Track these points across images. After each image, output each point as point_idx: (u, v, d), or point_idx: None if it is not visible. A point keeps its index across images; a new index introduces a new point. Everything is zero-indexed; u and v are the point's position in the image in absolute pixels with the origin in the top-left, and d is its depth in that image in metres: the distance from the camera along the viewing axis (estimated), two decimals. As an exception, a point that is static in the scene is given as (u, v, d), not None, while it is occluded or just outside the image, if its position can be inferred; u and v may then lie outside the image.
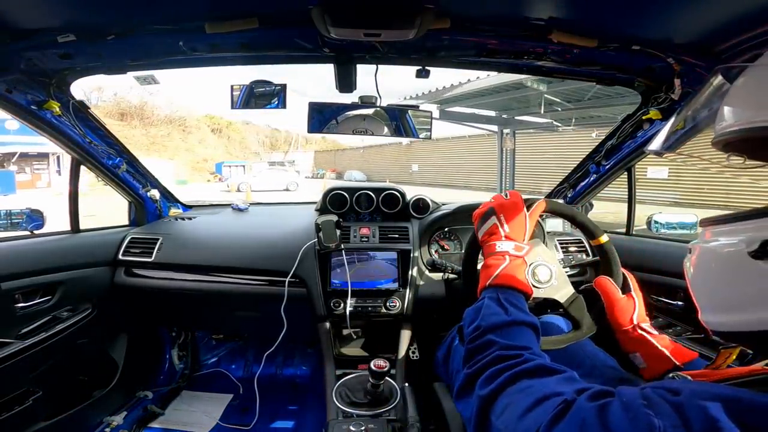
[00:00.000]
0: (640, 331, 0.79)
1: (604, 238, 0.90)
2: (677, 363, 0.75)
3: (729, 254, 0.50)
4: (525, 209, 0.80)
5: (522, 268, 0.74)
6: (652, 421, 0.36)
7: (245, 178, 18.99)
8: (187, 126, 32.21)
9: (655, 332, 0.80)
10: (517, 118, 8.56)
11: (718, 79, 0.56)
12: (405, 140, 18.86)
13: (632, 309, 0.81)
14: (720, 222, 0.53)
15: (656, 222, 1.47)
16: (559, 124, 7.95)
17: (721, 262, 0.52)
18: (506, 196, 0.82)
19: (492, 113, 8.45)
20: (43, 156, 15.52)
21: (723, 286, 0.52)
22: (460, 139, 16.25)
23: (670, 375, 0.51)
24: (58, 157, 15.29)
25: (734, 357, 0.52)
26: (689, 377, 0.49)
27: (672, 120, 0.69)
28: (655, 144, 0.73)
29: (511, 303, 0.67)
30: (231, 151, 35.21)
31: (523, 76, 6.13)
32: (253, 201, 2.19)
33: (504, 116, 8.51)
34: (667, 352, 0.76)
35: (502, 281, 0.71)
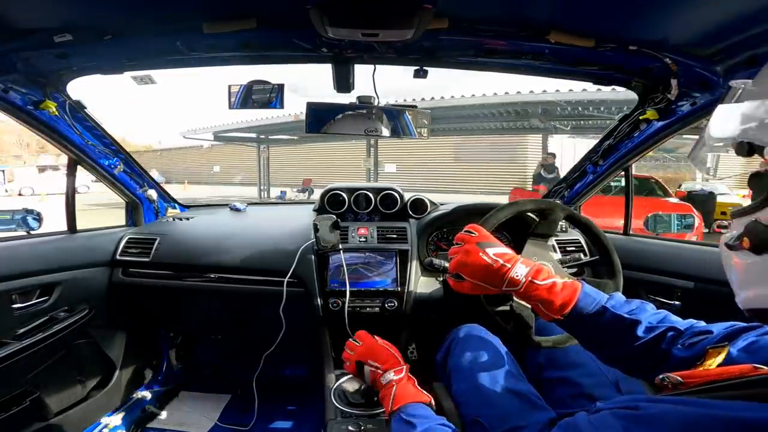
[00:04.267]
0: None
1: None
2: (554, 316, 0.73)
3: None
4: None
5: (409, 384, 0.83)
6: None
7: (24, 182, 17.24)
8: None
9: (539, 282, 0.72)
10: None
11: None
12: (206, 144, 18.74)
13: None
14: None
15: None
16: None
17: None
18: None
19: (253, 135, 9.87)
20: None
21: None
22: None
23: (660, 377, 0.51)
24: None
25: (723, 356, 0.52)
26: (679, 378, 0.49)
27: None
28: None
29: (413, 416, 0.73)
30: (-16, 156, 27.61)
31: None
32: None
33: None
34: (541, 306, 0.74)
35: (398, 404, 0.78)
